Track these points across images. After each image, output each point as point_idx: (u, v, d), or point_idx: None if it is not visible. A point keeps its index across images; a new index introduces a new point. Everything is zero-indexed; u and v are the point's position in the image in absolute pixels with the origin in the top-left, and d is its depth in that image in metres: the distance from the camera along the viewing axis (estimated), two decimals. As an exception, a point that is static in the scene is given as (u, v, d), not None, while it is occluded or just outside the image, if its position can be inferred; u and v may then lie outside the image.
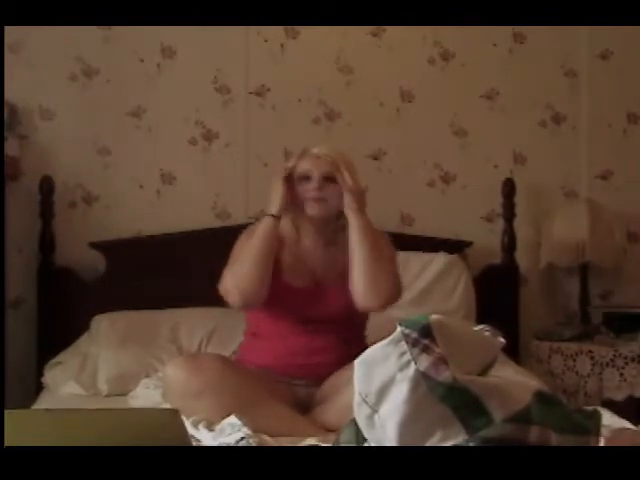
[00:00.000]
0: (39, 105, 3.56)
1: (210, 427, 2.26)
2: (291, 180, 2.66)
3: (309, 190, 2.64)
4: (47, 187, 3.47)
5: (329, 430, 2.33)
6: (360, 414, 1.64)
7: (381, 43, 3.76)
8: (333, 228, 2.72)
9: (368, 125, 3.76)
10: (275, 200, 2.64)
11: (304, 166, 2.67)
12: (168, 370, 2.52)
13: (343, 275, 2.66)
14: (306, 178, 2.66)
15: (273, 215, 2.63)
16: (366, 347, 1.71)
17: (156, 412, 1.86)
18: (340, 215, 2.69)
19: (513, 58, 3.84)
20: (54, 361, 3.21)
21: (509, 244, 3.74)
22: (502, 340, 1.80)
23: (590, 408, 1.75)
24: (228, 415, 2.30)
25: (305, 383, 2.61)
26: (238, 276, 2.61)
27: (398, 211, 3.78)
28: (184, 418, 1.95)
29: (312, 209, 2.65)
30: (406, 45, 3.78)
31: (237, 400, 2.39)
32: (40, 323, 3.46)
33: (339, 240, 2.71)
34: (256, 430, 2.21)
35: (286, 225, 2.71)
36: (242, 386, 2.46)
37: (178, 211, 3.64)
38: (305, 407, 2.54)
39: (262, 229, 2.62)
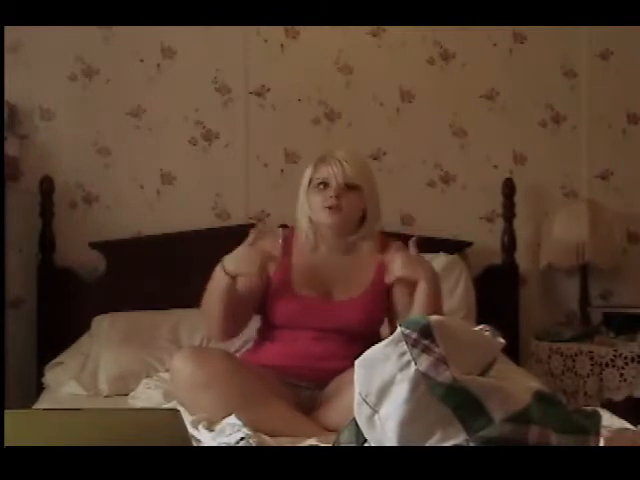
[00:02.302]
0: (39, 105, 3.56)
1: (210, 427, 2.27)
2: (260, 242, 2.61)
3: (326, 198, 2.60)
4: (47, 187, 3.47)
5: (330, 431, 2.31)
6: (360, 414, 1.64)
7: (381, 43, 3.76)
8: (352, 237, 2.68)
9: (368, 125, 3.76)
10: (233, 257, 2.56)
11: (323, 173, 2.62)
12: (175, 362, 2.50)
13: (361, 287, 2.65)
14: (324, 185, 2.62)
15: (224, 269, 2.54)
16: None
17: (157, 412, 1.86)
18: (360, 224, 2.67)
19: (513, 58, 3.84)
20: (55, 361, 3.21)
21: (509, 244, 3.74)
22: (502, 341, 1.80)
23: (590, 408, 1.76)
24: (232, 409, 2.31)
25: (310, 386, 2.59)
26: (207, 322, 2.67)
27: (398, 211, 3.77)
28: (185, 416, 1.96)
29: (327, 218, 2.61)
30: (406, 45, 3.78)
31: (242, 395, 2.39)
32: (40, 323, 3.46)
33: (359, 250, 2.68)
34: (258, 427, 2.22)
35: (304, 232, 2.68)
36: (247, 382, 2.45)
37: (178, 211, 3.64)
38: (307, 409, 2.53)
39: (215, 282, 2.57)
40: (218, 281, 2.57)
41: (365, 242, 2.68)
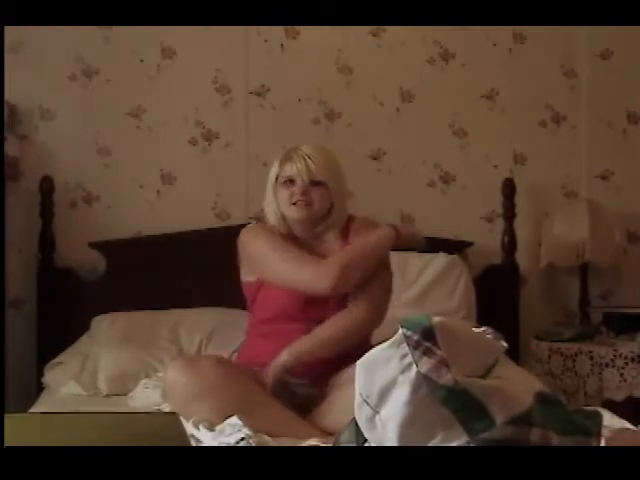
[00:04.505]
0: (39, 105, 3.56)
1: (211, 427, 2.27)
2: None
3: (293, 195, 2.66)
4: (47, 187, 3.47)
5: (328, 433, 2.32)
6: (361, 415, 1.64)
7: (381, 43, 3.76)
8: (321, 226, 2.73)
9: (368, 125, 3.76)
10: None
11: (289, 170, 2.67)
12: (168, 374, 2.51)
13: None
14: (290, 181, 2.67)
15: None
16: (369, 346, 1.71)
17: (156, 415, 1.86)
18: (327, 215, 2.71)
19: (513, 58, 3.84)
20: (54, 361, 3.21)
21: (509, 244, 3.74)
22: (504, 344, 1.80)
23: (590, 409, 1.75)
24: (229, 417, 2.29)
25: (304, 382, 2.60)
26: (349, 269, 2.60)
27: (398, 211, 3.77)
28: (184, 420, 1.95)
29: (296, 212, 2.67)
30: (406, 45, 3.78)
31: (236, 403, 2.38)
32: (40, 323, 3.46)
33: (325, 239, 2.74)
34: (256, 431, 2.21)
35: (282, 232, 2.72)
36: (242, 388, 2.45)
37: (178, 211, 3.64)
38: (304, 408, 2.54)
39: (390, 242, 2.66)
40: (389, 241, 2.67)
41: (330, 231, 2.74)
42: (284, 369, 2.54)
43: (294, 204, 2.65)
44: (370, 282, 2.64)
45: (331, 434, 2.26)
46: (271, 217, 2.73)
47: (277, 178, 2.70)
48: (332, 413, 2.39)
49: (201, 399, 2.38)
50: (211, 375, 2.44)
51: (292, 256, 2.65)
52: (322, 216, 2.71)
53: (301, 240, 2.74)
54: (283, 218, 2.71)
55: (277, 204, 2.70)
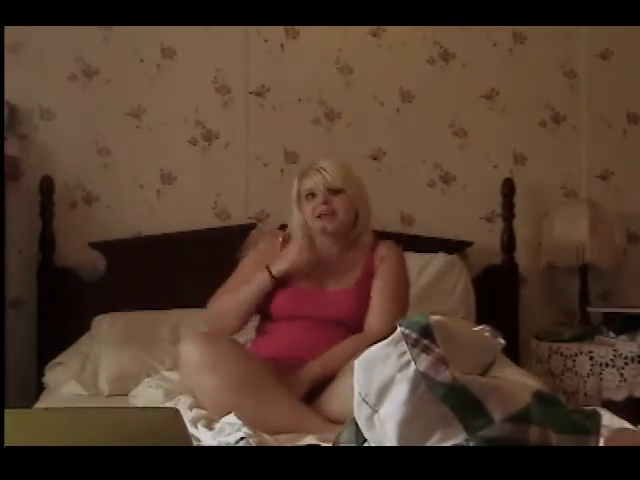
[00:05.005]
0: (39, 105, 3.56)
1: (209, 426, 2.27)
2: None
3: (316, 207, 2.75)
4: (47, 187, 3.47)
5: (332, 421, 2.41)
6: (360, 414, 1.64)
7: (381, 43, 3.76)
8: (348, 237, 2.82)
9: (368, 125, 3.76)
10: (283, 263, 2.72)
11: (307, 184, 2.77)
12: (184, 346, 2.60)
13: (353, 279, 2.78)
14: (311, 195, 2.77)
15: (273, 276, 2.73)
16: None
17: (157, 411, 1.86)
18: (355, 223, 2.80)
19: (513, 58, 3.84)
20: (55, 361, 3.21)
21: (509, 244, 3.74)
22: (502, 341, 1.80)
23: (589, 408, 1.75)
24: (238, 392, 2.41)
25: None
26: (219, 318, 2.79)
27: (398, 211, 3.78)
28: (184, 415, 1.96)
29: (321, 223, 2.76)
30: (406, 45, 3.77)
31: (247, 378, 2.47)
32: (40, 323, 3.46)
33: (357, 246, 2.82)
34: (259, 415, 2.32)
35: (300, 235, 2.80)
36: (252, 367, 2.53)
37: (178, 211, 3.64)
38: (309, 396, 2.59)
39: (258, 286, 2.74)
40: (258, 284, 2.73)
41: (360, 240, 2.83)
42: (316, 380, 2.62)
43: (319, 217, 2.75)
44: (393, 300, 2.76)
45: (333, 421, 2.38)
46: (293, 232, 2.83)
47: (299, 195, 2.80)
48: (334, 400, 2.48)
49: (213, 371, 2.47)
50: (225, 350, 2.53)
51: (229, 285, 2.81)
52: (349, 226, 2.80)
53: (325, 253, 2.81)
54: (308, 234, 2.79)
55: (303, 218, 2.80)
